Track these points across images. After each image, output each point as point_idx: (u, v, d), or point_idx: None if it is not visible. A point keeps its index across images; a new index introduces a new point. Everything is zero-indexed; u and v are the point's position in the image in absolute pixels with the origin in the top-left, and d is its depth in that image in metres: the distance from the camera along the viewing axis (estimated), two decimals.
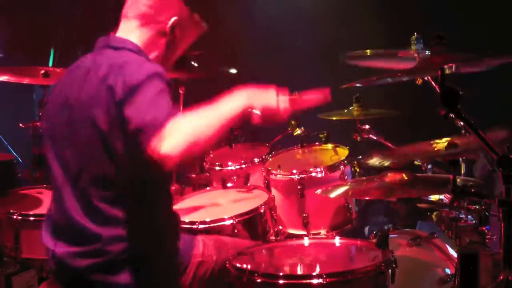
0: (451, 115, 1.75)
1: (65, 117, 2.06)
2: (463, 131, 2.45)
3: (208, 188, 3.45)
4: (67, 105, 2.06)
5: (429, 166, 2.98)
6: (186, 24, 2.26)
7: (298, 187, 3.16)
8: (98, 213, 1.99)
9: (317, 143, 3.68)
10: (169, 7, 2.21)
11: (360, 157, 3.36)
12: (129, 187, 2.01)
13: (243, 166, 3.55)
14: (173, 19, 2.20)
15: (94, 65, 2.05)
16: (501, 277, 1.66)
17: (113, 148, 1.95)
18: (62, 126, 2.07)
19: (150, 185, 2.06)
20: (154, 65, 2.04)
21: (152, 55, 2.18)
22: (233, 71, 3.72)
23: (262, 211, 2.82)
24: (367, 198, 2.94)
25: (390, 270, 2.03)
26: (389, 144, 3.38)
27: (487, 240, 2.11)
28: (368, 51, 2.58)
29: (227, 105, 1.97)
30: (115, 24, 2.24)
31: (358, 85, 2.40)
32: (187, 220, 2.69)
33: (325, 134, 3.60)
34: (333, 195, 2.56)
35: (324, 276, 1.93)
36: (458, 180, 2.00)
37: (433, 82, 2.39)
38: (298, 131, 3.77)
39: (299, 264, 2.22)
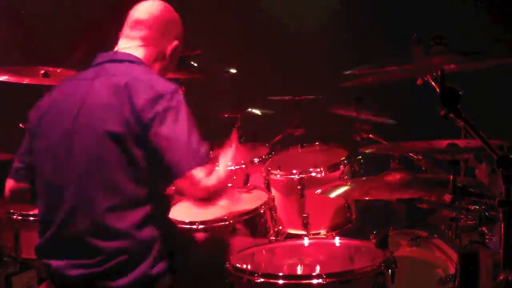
0: (451, 115, 1.75)
1: (72, 131, 2.05)
2: (463, 132, 2.45)
3: None
4: (76, 120, 2.05)
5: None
6: (182, 43, 2.32)
7: (298, 187, 3.16)
8: (105, 228, 2.00)
9: (317, 143, 3.69)
10: (171, 30, 2.26)
11: (360, 157, 3.36)
12: (139, 200, 2.04)
13: (243, 166, 3.55)
14: (174, 43, 2.26)
15: (109, 79, 2.08)
16: (501, 277, 1.66)
17: (135, 164, 2.00)
18: (69, 141, 2.05)
19: (156, 198, 2.09)
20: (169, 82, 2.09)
21: None
22: (233, 71, 3.72)
23: (262, 211, 2.82)
24: (367, 198, 2.93)
25: (390, 270, 2.03)
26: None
27: (486, 240, 2.12)
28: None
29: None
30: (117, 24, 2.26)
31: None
32: (187, 220, 2.69)
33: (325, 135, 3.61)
34: (333, 195, 2.56)
35: (324, 276, 1.93)
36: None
37: (433, 82, 2.39)
38: (298, 131, 3.78)
39: (299, 264, 2.22)
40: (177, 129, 2.00)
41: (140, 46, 2.20)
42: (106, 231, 1.99)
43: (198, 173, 1.99)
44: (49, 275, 2.11)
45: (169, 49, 2.25)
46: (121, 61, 2.15)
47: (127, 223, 2.00)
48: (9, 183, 2.26)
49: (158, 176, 2.05)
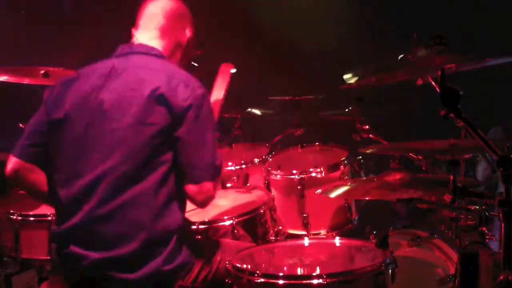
0: (451, 115, 1.75)
1: (99, 124, 2.07)
2: (463, 132, 2.45)
3: None
4: (104, 112, 2.07)
5: None
6: (193, 39, 2.41)
7: (298, 187, 3.16)
8: (124, 219, 2.02)
9: (317, 143, 3.69)
10: (185, 21, 2.35)
11: (360, 157, 3.36)
12: (160, 194, 2.06)
13: (243, 166, 3.55)
14: (189, 34, 2.36)
15: (136, 72, 2.12)
16: (501, 277, 1.66)
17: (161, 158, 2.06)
18: (96, 130, 2.07)
19: (175, 195, 2.12)
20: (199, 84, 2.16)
21: None
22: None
23: (261, 211, 2.81)
24: (367, 198, 2.93)
25: (390, 270, 2.03)
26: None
27: (486, 240, 2.12)
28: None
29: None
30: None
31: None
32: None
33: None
34: (333, 195, 2.56)
35: (324, 276, 1.93)
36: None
37: (433, 82, 2.39)
38: (298, 131, 3.78)
39: (299, 265, 2.21)
40: (207, 137, 2.11)
41: (157, 37, 2.26)
42: (126, 222, 2.02)
43: (212, 186, 2.14)
44: (64, 264, 2.11)
45: (184, 40, 2.34)
46: (147, 53, 2.21)
47: (145, 216, 2.03)
48: (15, 162, 2.18)
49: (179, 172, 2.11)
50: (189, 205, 3.00)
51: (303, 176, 3.17)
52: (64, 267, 2.12)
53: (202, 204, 2.19)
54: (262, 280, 1.99)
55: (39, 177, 2.19)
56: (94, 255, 2.02)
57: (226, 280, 2.10)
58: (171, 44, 2.29)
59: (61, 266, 2.13)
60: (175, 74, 2.13)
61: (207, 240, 2.45)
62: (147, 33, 2.27)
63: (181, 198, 2.15)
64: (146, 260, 2.03)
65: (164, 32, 2.27)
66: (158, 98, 2.05)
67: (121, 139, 2.04)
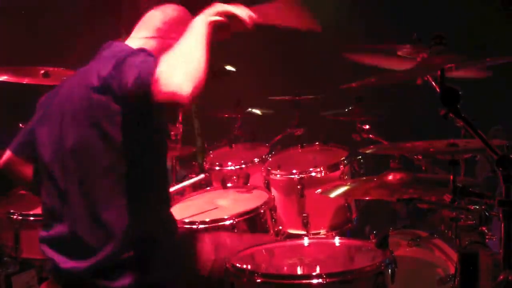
0: (451, 115, 1.75)
1: (60, 121, 2.07)
2: (462, 132, 2.45)
3: (208, 188, 3.45)
4: (63, 111, 2.07)
5: None
6: None
7: (298, 187, 3.16)
8: (103, 222, 1.99)
9: (317, 143, 3.69)
10: (179, 30, 2.15)
11: (360, 157, 3.36)
12: (129, 186, 2.01)
13: (243, 166, 3.55)
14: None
15: (88, 70, 2.09)
16: (501, 277, 1.66)
17: (111, 139, 1.96)
18: (60, 130, 2.07)
19: (149, 185, 2.07)
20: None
21: None
22: (231, 68, 3.72)
23: (261, 211, 2.81)
24: (367, 198, 2.93)
25: (390, 270, 2.03)
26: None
27: (487, 240, 2.12)
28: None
29: (198, 25, 1.97)
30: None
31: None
32: (187, 220, 2.69)
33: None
34: (333, 195, 2.56)
35: (324, 276, 1.93)
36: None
37: (433, 82, 2.39)
38: (298, 131, 3.78)
39: (299, 264, 2.21)
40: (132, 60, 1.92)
41: (145, 37, 2.18)
42: (102, 228, 1.99)
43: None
44: (52, 270, 2.11)
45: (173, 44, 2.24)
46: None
47: (124, 222, 1.99)
48: (7, 155, 2.28)
49: (146, 164, 2.04)
50: (190, 204, 3.03)
51: (303, 176, 3.17)
52: (52, 272, 2.13)
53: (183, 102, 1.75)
54: (262, 280, 1.99)
55: (27, 171, 2.24)
56: (74, 264, 2.01)
57: (226, 280, 2.10)
58: (157, 46, 2.18)
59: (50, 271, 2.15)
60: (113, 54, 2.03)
61: (200, 240, 2.43)
62: (138, 32, 2.20)
63: (153, 201, 2.10)
64: (130, 268, 1.99)
65: (155, 33, 2.19)
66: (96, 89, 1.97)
67: (83, 145, 2.01)
